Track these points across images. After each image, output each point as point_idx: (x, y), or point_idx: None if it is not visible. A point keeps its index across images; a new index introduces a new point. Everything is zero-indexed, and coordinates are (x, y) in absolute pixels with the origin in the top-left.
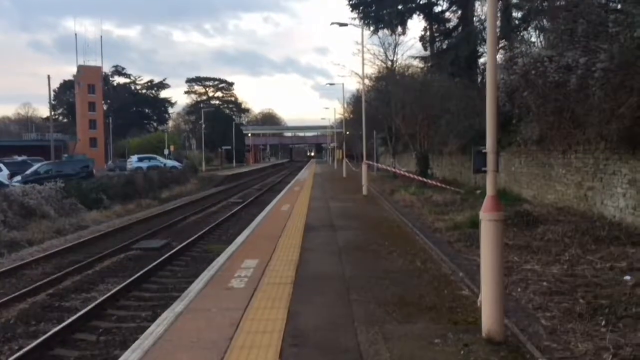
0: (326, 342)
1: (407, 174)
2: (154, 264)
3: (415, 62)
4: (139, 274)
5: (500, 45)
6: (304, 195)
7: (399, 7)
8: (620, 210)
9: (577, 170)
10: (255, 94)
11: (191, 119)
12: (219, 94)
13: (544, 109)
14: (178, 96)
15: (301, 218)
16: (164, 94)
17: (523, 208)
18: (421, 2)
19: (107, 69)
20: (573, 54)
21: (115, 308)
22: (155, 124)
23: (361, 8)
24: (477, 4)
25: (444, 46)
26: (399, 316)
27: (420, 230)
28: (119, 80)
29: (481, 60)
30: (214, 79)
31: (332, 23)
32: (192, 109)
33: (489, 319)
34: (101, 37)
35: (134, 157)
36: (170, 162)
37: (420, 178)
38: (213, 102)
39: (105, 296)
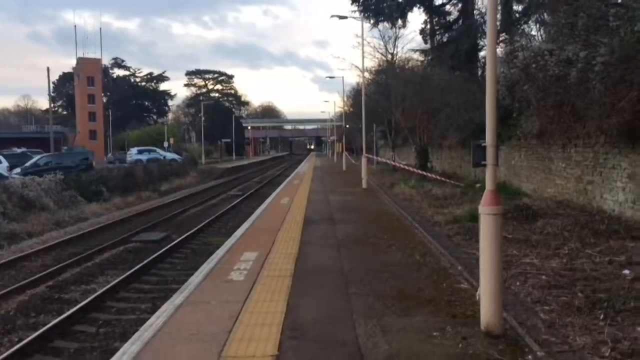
0: (325, 335)
1: (406, 167)
2: (154, 256)
3: (416, 55)
4: (138, 266)
5: (500, 39)
6: (304, 188)
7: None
8: (620, 204)
9: (577, 164)
10: (254, 87)
11: (191, 112)
12: (218, 86)
13: (544, 103)
14: (178, 89)
15: (300, 211)
16: (163, 86)
17: (523, 202)
18: None
19: (106, 61)
20: (573, 48)
21: (114, 300)
22: (154, 117)
23: (361, 1)
24: None
25: (444, 39)
26: (398, 309)
27: (419, 223)
28: (118, 72)
29: (481, 53)
30: (214, 72)
31: (332, 16)
32: (192, 102)
33: (487, 312)
34: (100, 29)
35: (134, 150)
36: (169, 155)
37: (420, 171)
38: (213, 94)
39: (105, 288)
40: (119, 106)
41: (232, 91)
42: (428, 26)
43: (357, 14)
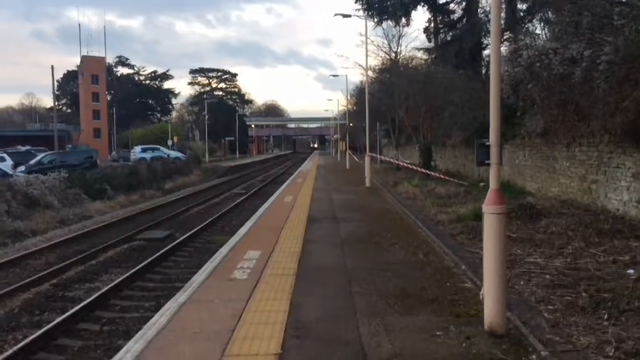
0: (328, 333)
1: (410, 166)
2: (158, 254)
3: (419, 54)
4: (142, 265)
5: (504, 37)
6: (307, 187)
7: None
8: (624, 203)
9: (581, 163)
10: (258, 85)
11: (194, 110)
12: (222, 85)
13: (548, 102)
14: (181, 87)
15: (304, 210)
16: (167, 84)
17: (526, 201)
18: None
19: (110, 59)
20: (578, 47)
21: (118, 298)
22: (158, 115)
23: None
24: None
25: (448, 38)
26: (401, 308)
27: (422, 222)
28: (122, 70)
29: (485, 52)
30: (217, 70)
31: (336, 14)
32: (196, 100)
33: (491, 311)
34: (104, 27)
35: (138, 148)
36: (173, 153)
37: (424, 170)
38: (216, 93)
39: (109, 286)
40: (123, 104)
41: (236, 89)
42: (432, 24)
43: (360, 13)
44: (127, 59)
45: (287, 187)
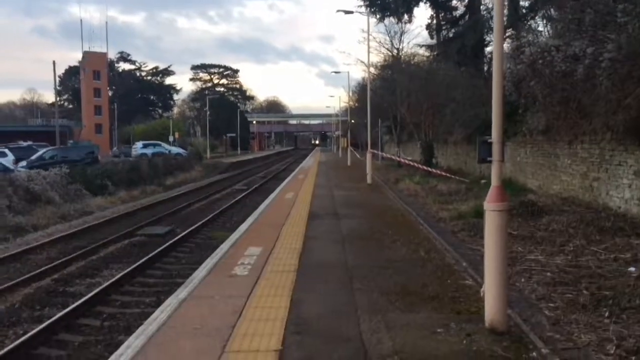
0: (329, 330)
1: (411, 163)
2: (158, 250)
3: (421, 51)
4: (143, 260)
5: (507, 35)
6: (308, 183)
7: None
8: (626, 201)
9: (583, 161)
10: (260, 82)
11: (196, 106)
12: (223, 81)
13: (551, 99)
14: (183, 83)
15: (305, 206)
16: (169, 80)
17: (528, 198)
18: None
19: (112, 55)
20: (580, 44)
21: (119, 294)
22: (160, 111)
23: None
24: None
25: (451, 35)
26: (402, 305)
27: (424, 219)
28: (124, 66)
29: (488, 49)
30: (219, 66)
31: (338, 10)
32: (197, 96)
33: (492, 309)
34: (106, 23)
35: (139, 144)
36: (175, 149)
37: (425, 167)
38: (218, 89)
39: (110, 282)
40: (125, 100)
41: (238, 86)
42: (434, 21)
43: (363, 9)
44: (128, 55)
45: (288, 183)
